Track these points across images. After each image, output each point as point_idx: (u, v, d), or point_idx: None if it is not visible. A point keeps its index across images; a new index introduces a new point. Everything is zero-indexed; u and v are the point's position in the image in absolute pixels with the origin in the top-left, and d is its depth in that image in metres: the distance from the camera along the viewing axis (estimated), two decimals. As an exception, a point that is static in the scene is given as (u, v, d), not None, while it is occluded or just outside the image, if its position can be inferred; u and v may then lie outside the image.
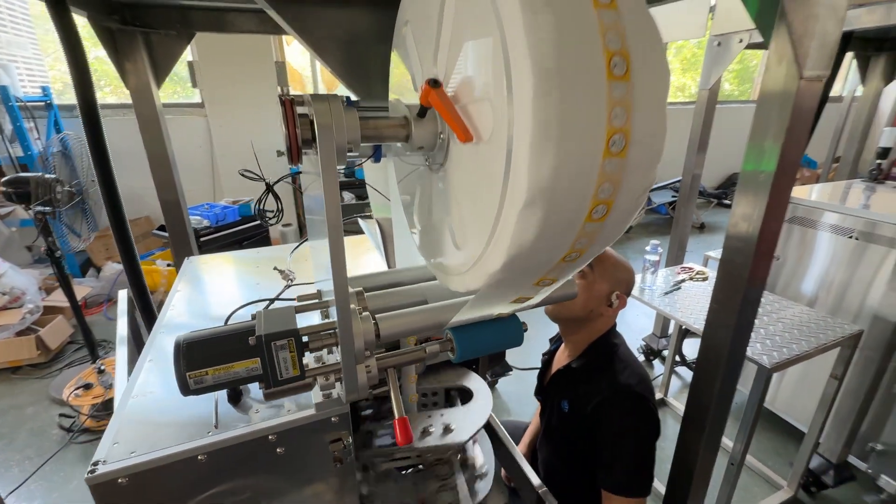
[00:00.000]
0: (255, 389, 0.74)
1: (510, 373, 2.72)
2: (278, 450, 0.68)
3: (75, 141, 2.60)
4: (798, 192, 2.29)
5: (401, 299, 0.70)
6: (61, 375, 2.77)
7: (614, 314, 1.27)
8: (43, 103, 3.81)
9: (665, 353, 2.85)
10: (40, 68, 4.12)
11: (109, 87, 4.40)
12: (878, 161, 2.56)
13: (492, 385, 1.08)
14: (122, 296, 1.17)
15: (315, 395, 0.69)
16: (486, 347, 0.70)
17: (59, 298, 3.36)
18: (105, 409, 2.39)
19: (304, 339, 0.59)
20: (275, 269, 1.04)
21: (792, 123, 0.81)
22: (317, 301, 0.77)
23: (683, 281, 2.09)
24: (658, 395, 2.61)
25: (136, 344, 0.99)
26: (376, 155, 0.72)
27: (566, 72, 0.40)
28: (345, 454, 0.71)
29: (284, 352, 0.56)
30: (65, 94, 4.33)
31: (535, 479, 1.18)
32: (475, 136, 0.50)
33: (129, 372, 0.87)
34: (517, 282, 0.54)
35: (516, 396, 2.62)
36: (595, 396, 1.16)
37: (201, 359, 0.53)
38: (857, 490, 2.01)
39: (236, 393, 0.70)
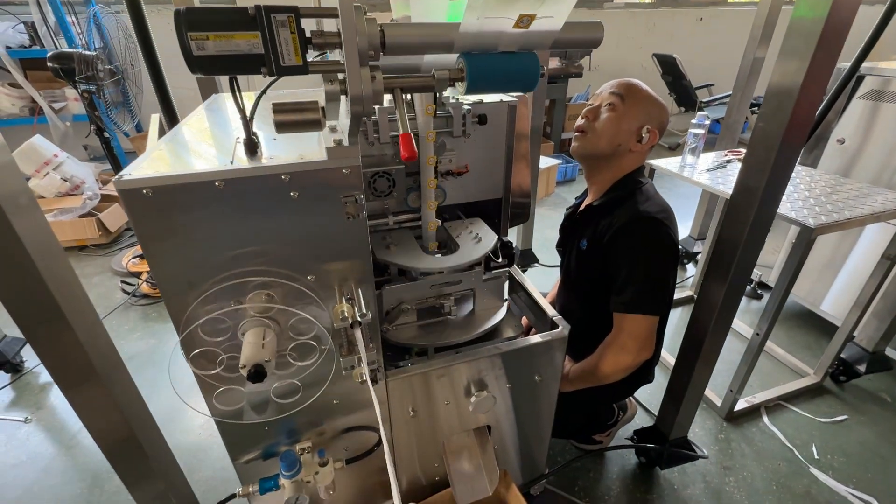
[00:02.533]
0: (268, 149, 0.76)
1: (535, 265, 2.73)
2: (292, 193, 0.70)
3: (110, 22, 2.62)
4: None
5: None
6: (121, 253, 3.03)
7: (644, 151, 1.20)
8: (81, -3, 3.82)
9: (700, 256, 2.76)
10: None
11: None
12: None
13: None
14: (155, 118, 1.25)
15: (326, 140, 0.70)
16: (499, 80, 0.66)
17: (114, 189, 3.60)
18: (159, 278, 2.62)
19: (308, 35, 0.58)
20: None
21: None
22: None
23: (730, 161, 1.95)
24: (688, 293, 2.56)
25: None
26: None
27: None
28: (358, 210, 0.74)
29: (285, 31, 0.54)
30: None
31: (549, 310, 1.20)
32: None
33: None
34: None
35: (539, 286, 2.67)
36: (613, 226, 1.14)
37: (202, 22, 0.53)
38: (892, 382, 1.95)
39: (252, 144, 0.72)
